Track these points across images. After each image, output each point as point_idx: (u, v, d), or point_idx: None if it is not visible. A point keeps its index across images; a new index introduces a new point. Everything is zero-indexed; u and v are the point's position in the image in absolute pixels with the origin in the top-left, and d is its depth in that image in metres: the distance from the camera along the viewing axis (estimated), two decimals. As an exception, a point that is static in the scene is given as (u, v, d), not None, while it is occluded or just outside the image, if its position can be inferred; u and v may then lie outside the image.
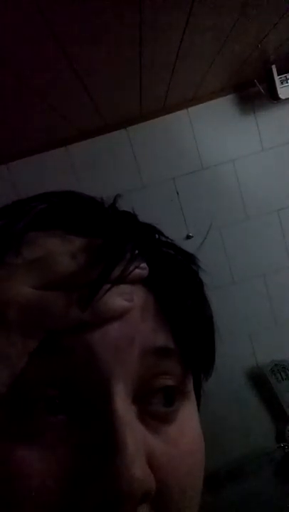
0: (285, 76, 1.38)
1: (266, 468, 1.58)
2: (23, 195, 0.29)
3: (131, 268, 0.24)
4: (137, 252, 0.25)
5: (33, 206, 0.26)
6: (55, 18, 0.69)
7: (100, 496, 0.20)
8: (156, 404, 0.25)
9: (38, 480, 0.20)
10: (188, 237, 1.55)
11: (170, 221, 1.53)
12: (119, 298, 0.23)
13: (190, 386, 0.28)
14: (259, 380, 1.60)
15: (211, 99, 1.52)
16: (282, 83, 1.38)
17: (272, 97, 1.41)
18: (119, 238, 0.25)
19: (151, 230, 0.29)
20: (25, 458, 0.21)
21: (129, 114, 1.47)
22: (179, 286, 0.27)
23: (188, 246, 0.30)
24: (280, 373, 1.54)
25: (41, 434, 0.21)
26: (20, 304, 0.21)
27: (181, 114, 1.53)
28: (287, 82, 1.38)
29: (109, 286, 0.23)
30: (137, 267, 0.24)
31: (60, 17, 0.69)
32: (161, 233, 0.29)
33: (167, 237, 0.29)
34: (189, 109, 1.53)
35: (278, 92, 1.38)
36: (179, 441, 0.25)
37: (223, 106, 1.54)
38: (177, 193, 1.56)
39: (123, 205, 0.30)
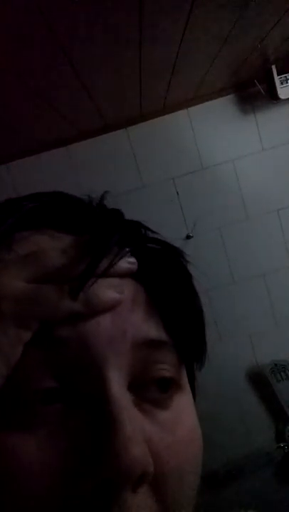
0: (285, 76, 1.38)
1: (266, 468, 1.58)
2: (23, 195, 0.29)
3: (118, 259, 0.25)
4: (123, 244, 0.25)
5: (24, 205, 0.27)
6: (55, 18, 0.69)
7: (100, 477, 0.20)
8: (151, 392, 0.25)
9: (37, 468, 0.21)
10: (188, 237, 1.55)
11: (170, 221, 1.53)
12: (110, 290, 0.24)
13: (184, 376, 0.29)
14: (259, 380, 1.60)
15: (211, 99, 1.52)
16: (282, 83, 1.38)
17: (272, 97, 1.41)
18: (106, 232, 0.25)
19: (137, 225, 0.30)
20: (23, 447, 0.21)
21: (129, 114, 1.47)
22: (168, 278, 0.28)
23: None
24: (280, 373, 1.54)
25: (39, 423, 0.22)
26: (14, 297, 0.22)
27: (181, 114, 1.53)
28: (287, 82, 1.38)
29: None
30: (124, 259, 0.25)
31: (60, 17, 0.69)
32: (147, 228, 0.30)
33: (154, 232, 0.30)
34: (189, 109, 1.53)
35: (278, 92, 1.38)
36: (176, 429, 0.25)
37: (223, 106, 1.54)
38: (177, 193, 1.56)
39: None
